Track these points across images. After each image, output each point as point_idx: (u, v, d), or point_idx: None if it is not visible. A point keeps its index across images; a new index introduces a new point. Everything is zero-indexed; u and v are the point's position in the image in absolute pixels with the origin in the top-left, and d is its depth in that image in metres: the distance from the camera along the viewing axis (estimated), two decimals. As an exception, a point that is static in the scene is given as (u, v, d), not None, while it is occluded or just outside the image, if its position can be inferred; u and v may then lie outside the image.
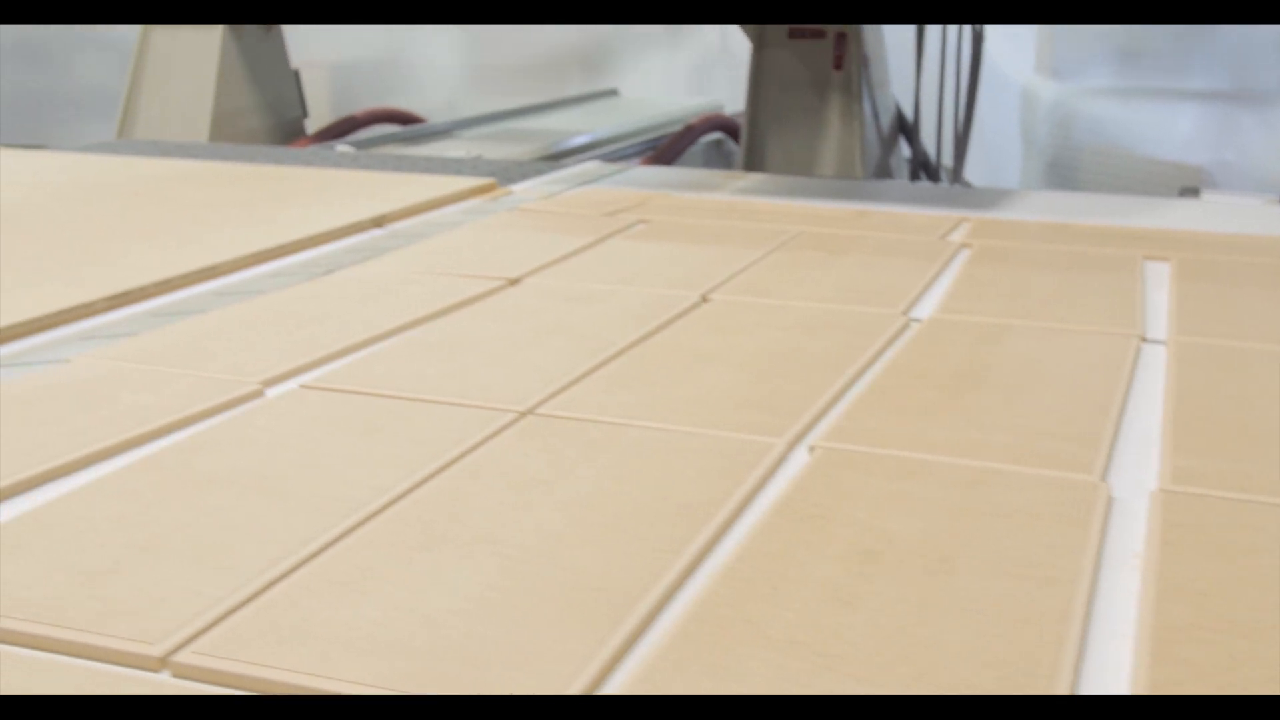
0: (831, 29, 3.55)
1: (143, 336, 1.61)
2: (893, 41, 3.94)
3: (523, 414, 1.33)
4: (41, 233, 2.14)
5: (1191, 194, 2.85)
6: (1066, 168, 4.68)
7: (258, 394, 1.41)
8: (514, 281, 1.90)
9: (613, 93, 5.78)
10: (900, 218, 2.42)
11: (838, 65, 3.56)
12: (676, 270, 1.96)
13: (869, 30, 3.60)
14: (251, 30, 4.19)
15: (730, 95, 6.16)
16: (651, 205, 2.50)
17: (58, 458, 1.20)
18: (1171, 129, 4.45)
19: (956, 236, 2.28)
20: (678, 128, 4.80)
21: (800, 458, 1.25)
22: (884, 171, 3.82)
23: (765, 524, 1.07)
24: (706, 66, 6.43)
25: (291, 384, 1.45)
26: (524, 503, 1.11)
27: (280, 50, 4.40)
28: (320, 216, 2.29)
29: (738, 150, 4.72)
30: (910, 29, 3.85)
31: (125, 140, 3.49)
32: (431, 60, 6.54)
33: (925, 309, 1.79)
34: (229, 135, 4.15)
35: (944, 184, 3.86)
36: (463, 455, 1.22)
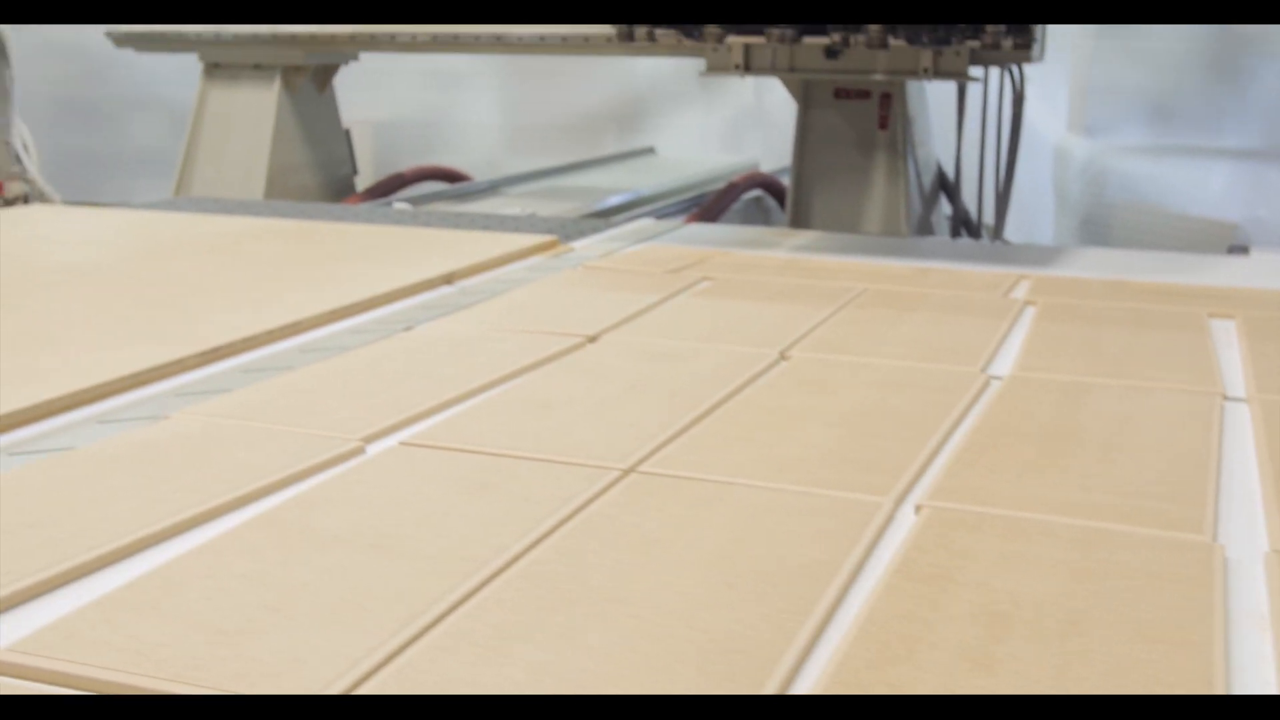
0: (877, 89, 3.56)
1: (236, 393, 1.60)
2: (934, 101, 3.94)
3: (626, 471, 1.32)
4: (123, 290, 2.15)
5: (1241, 251, 2.83)
6: (1099, 224, 4.67)
7: (359, 451, 1.40)
8: (592, 338, 1.89)
9: (650, 151, 5.81)
10: (960, 275, 2.41)
11: (883, 125, 3.57)
12: (751, 328, 1.95)
13: (912, 90, 3.61)
14: (306, 89, 4.22)
15: (764, 153, 6.19)
16: (712, 263, 2.49)
17: (174, 515, 1.19)
18: (1204, 186, 4.44)
19: (1019, 294, 2.26)
20: (719, 185, 4.82)
21: (907, 516, 1.23)
22: (925, 228, 3.82)
23: (888, 585, 1.05)
24: (740, 125, 6.47)
25: (391, 441, 1.44)
26: (645, 562, 1.09)
27: (332, 109, 4.43)
28: (391, 273, 2.29)
29: (776, 206, 4.74)
30: (951, 89, 3.85)
31: (187, 198, 3.51)
32: (471, 120, 6.59)
33: (1003, 366, 1.78)
34: (282, 192, 4.17)
35: (986, 240, 3.85)
36: (575, 513, 1.20)
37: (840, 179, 3.60)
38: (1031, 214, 4.88)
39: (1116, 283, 2.34)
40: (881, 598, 1.03)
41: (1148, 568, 1.09)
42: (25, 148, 4.17)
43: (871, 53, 3.40)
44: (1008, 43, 2.56)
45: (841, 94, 3.59)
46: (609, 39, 3.63)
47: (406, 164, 5.32)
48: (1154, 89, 4.51)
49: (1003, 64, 3.50)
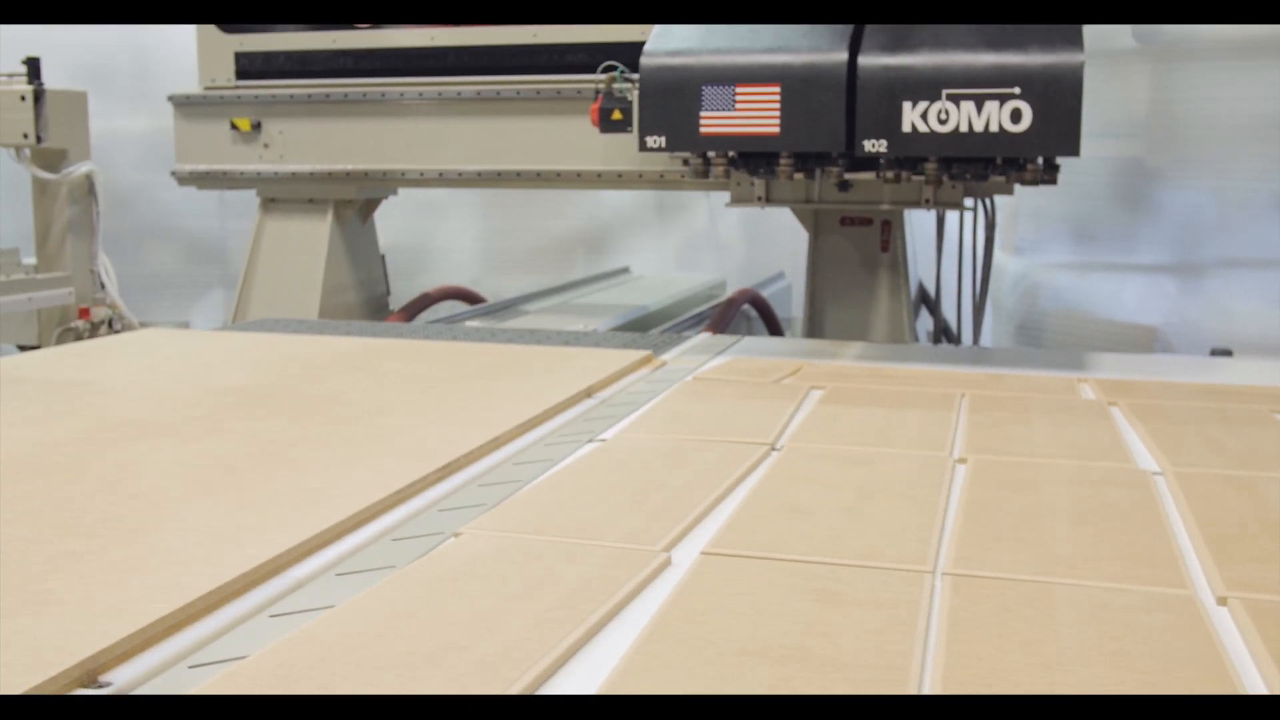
0: (878, 217, 3.59)
1: (501, 508, 1.49)
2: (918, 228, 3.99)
3: (943, 574, 1.25)
4: (310, 411, 2.01)
5: (1224, 354, 2.88)
6: (1033, 329, 4.74)
7: (668, 562, 1.31)
8: (774, 446, 1.82)
9: (626, 270, 5.77)
10: (1025, 379, 2.39)
11: (884, 247, 3.59)
12: (905, 433, 1.90)
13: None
14: (352, 220, 4.11)
15: (718, 271, 6.21)
16: (805, 373, 2.44)
17: (564, 636, 1.08)
18: (1123, 297, 4.54)
19: (1089, 394, 2.26)
20: (706, 300, 4.82)
21: (1211, 606, 1.19)
22: (912, 337, 3.83)
23: (1289, 677, 1.00)
24: (692, 247, 6.49)
25: (687, 550, 1.35)
26: (1054, 664, 1.02)
27: (372, 235, 4.32)
28: (540, 388, 2.20)
29: (758, 316, 4.73)
30: (932, 220, 3.91)
31: (278, 319, 3.35)
32: (454, 245, 6.49)
33: (1149, 461, 1.75)
34: (331, 311, 4.03)
35: (968, 346, 3.88)
36: (932, 618, 1.13)
37: (849, 295, 3.60)
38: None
39: (1167, 384, 2.35)
40: (1297, 691, 0.97)
41: None
42: (107, 274, 3.98)
43: (878, 185, 3.43)
44: (1043, 176, 2.59)
45: (847, 221, 3.61)
46: (682, 175, 3.61)
47: (399, 285, 5.21)
48: (1076, 214, 4.63)
49: (986, 195, 3.56)
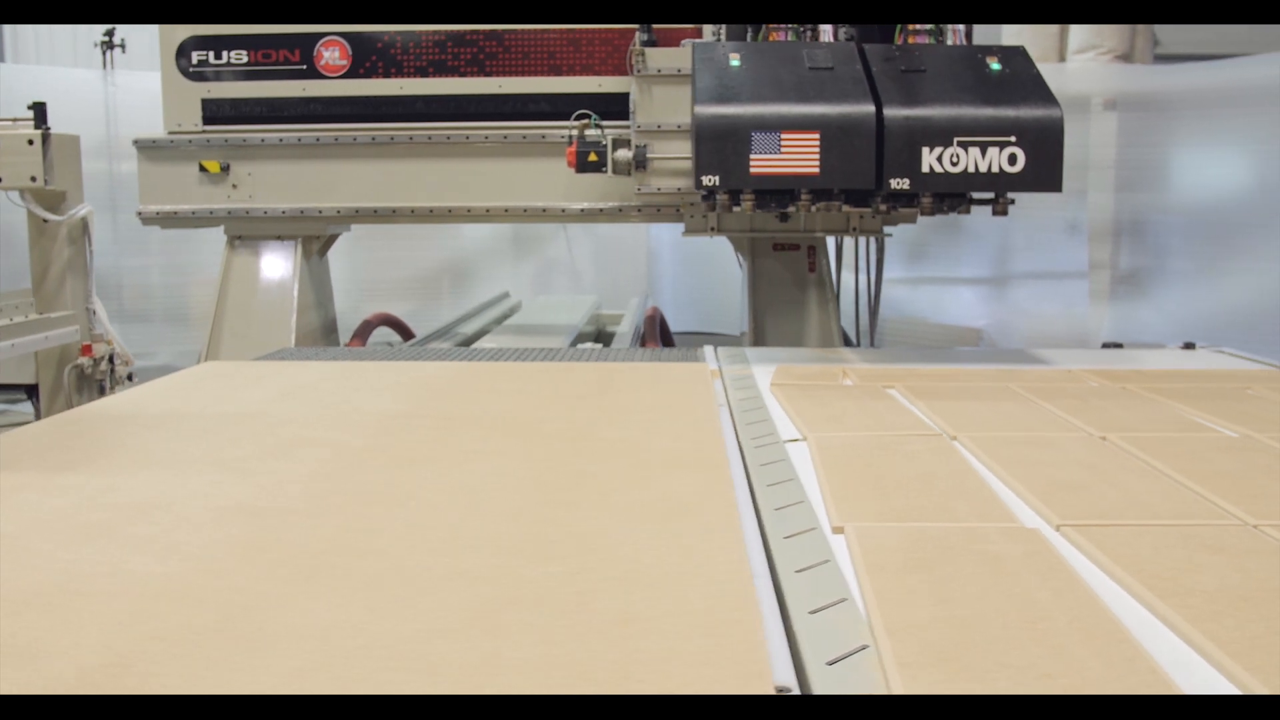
0: (805, 242, 3.72)
1: (831, 502, 1.49)
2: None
3: (1252, 525, 1.36)
4: (519, 434, 1.91)
5: (1115, 346, 3.19)
6: (877, 333, 5.03)
7: (1039, 534, 1.36)
8: (953, 436, 1.89)
9: (508, 295, 5.66)
10: (1036, 372, 2.57)
11: (812, 268, 3.73)
12: (1031, 419, 2.01)
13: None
14: (314, 254, 3.85)
15: (569, 292, 6.19)
16: (860, 375, 2.52)
17: (1102, 612, 1.12)
18: (948, 305, 4.91)
19: (1095, 383, 2.45)
20: (604, 319, 4.80)
21: None
22: (840, 342, 3.99)
23: None
24: (548, 272, 6.44)
25: (1035, 525, 1.40)
26: None
27: (327, 267, 4.05)
28: (677, 401, 2.17)
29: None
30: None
31: (324, 348, 3.08)
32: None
33: (1229, 431, 1.94)
34: (299, 338, 3.76)
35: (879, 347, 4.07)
36: (1325, 560, 1.24)
37: (784, 310, 3.72)
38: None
39: (1141, 371, 2.58)
40: None
41: None
42: (99, 311, 3.51)
43: (812, 215, 3.57)
44: (1006, 207, 2.80)
45: (778, 246, 3.73)
46: (704, 208, 3.58)
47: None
48: (908, 238, 4.96)
49: (897, 224, 3.77)
